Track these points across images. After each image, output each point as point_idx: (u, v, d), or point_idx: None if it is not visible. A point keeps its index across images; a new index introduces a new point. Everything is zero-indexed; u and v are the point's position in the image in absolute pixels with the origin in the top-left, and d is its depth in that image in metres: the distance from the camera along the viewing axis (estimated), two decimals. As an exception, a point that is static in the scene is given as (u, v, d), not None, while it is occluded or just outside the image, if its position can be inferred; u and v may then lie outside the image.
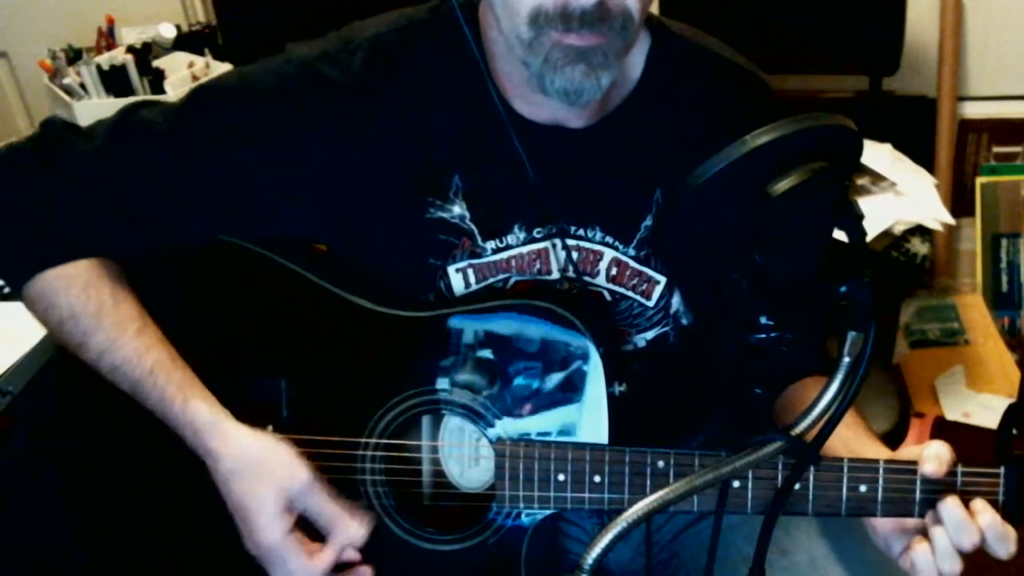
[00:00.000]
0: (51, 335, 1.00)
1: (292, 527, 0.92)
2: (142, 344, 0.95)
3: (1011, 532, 0.86)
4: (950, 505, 0.85)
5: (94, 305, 0.95)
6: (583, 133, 0.97)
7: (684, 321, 1.04)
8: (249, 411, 0.95)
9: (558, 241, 0.99)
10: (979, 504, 0.86)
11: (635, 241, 1.00)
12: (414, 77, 0.96)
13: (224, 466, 0.92)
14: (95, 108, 1.70)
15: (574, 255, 0.99)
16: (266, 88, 0.96)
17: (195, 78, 1.86)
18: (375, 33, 0.98)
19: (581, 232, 1.00)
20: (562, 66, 0.85)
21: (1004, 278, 2.52)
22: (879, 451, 0.95)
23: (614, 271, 1.01)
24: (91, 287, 0.96)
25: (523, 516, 0.96)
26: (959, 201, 2.47)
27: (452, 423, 1.01)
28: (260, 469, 0.91)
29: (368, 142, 0.96)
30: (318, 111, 0.95)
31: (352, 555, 0.95)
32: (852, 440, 0.96)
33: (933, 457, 0.87)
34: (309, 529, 0.93)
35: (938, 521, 0.86)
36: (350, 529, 0.92)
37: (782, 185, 0.70)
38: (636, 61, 0.98)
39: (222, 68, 1.91)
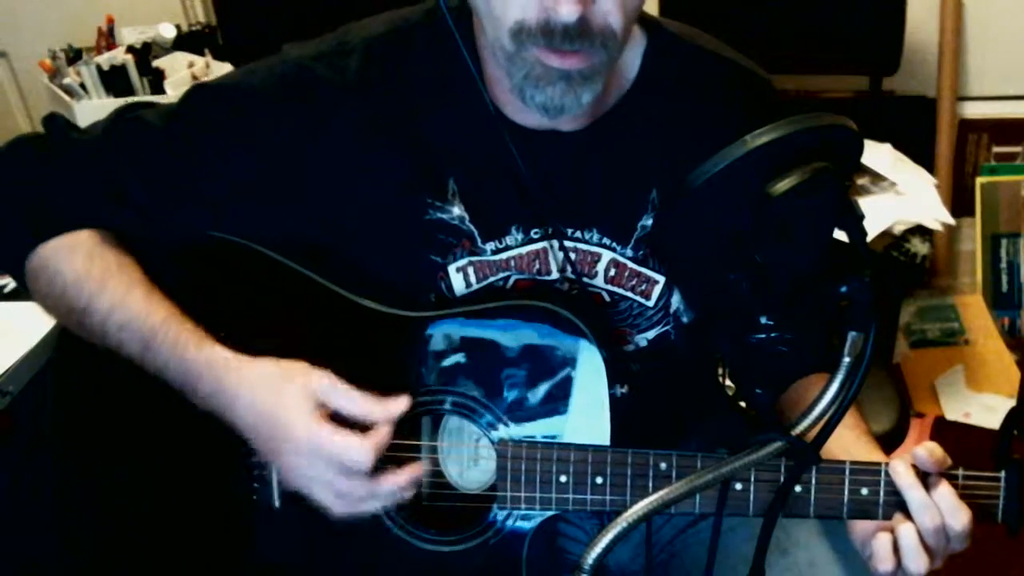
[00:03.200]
0: (54, 307, 0.98)
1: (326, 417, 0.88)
2: (151, 300, 0.94)
3: (965, 507, 0.86)
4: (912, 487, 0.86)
5: (99, 269, 0.95)
6: (577, 136, 0.97)
7: (685, 319, 1.04)
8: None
9: (555, 242, 0.99)
10: (932, 477, 0.87)
11: (632, 241, 1.00)
12: (408, 80, 0.96)
13: (246, 391, 0.89)
14: (95, 108, 1.70)
15: (572, 256, 0.99)
16: (261, 88, 0.96)
17: (195, 78, 1.86)
18: (370, 35, 0.98)
19: (578, 234, 1.00)
20: (543, 85, 0.85)
21: (1004, 278, 2.52)
22: (880, 458, 0.95)
23: (612, 272, 1.01)
24: (95, 253, 0.96)
25: (524, 517, 0.96)
26: (959, 201, 2.47)
27: (451, 423, 1.01)
28: (282, 380, 0.89)
29: (362, 144, 0.96)
30: (312, 112, 0.95)
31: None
32: (853, 445, 0.96)
33: (922, 447, 0.87)
34: None
35: (906, 519, 0.87)
36: (388, 406, 0.88)
37: (782, 185, 0.70)
38: (632, 62, 0.98)
39: (222, 68, 1.92)
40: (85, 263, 0.95)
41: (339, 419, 0.87)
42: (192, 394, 0.92)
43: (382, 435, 0.87)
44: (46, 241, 0.96)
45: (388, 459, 0.89)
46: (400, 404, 0.88)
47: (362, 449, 0.85)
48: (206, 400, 0.92)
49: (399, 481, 0.88)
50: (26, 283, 1.00)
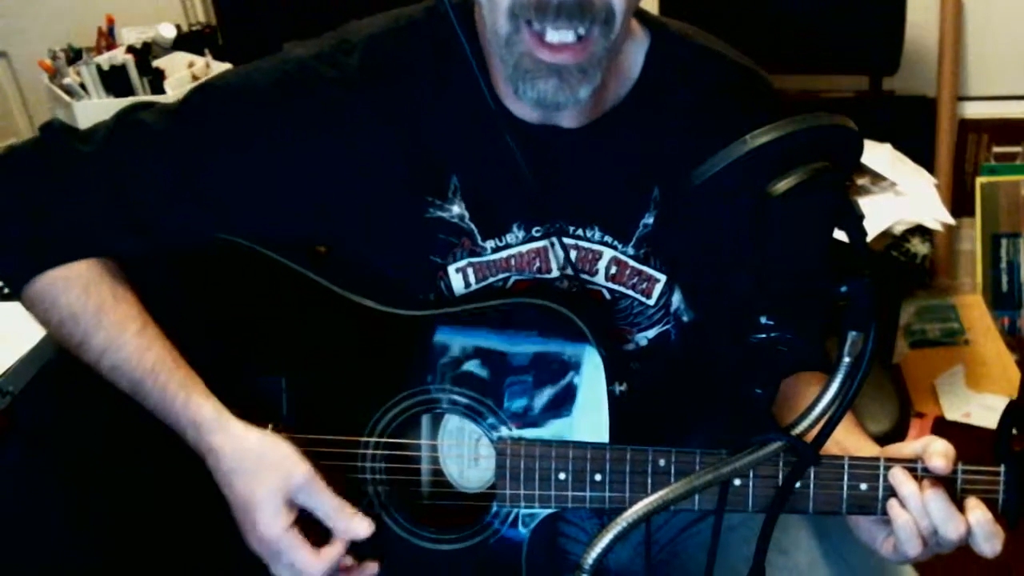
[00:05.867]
0: (51, 336, 0.99)
1: (293, 523, 0.91)
2: (143, 343, 0.95)
3: (1000, 531, 0.86)
4: (939, 496, 0.86)
5: (94, 305, 0.95)
6: (579, 133, 0.97)
7: (685, 318, 1.04)
8: (250, 410, 0.95)
9: (556, 240, 0.99)
10: (972, 501, 0.87)
11: (634, 240, 1.00)
12: (410, 77, 0.96)
13: (225, 463, 0.92)
14: (95, 108, 1.70)
15: (572, 254, 0.99)
16: (263, 88, 0.96)
17: (195, 78, 1.86)
18: (371, 33, 0.98)
19: (580, 232, 1.00)
20: (534, 79, 0.85)
21: (1004, 278, 2.52)
22: (872, 449, 0.95)
23: (613, 270, 1.01)
24: (91, 287, 0.96)
25: (523, 516, 0.96)
26: (959, 201, 2.47)
27: (452, 423, 1.01)
28: (260, 465, 0.91)
29: (365, 142, 0.96)
30: (315, 111, 0.95)
31: (347, 561, 0.95)
32: (845, 438, 0.96)
33: (941, 454, 0.87)
34: (314, 532, 0.93)
35: (902, 506, 0.87)
36: (353, 522, 0.92)
37: (782, 185, 0.70)
38: (635, 60, 0.98)
39: (222, 68, 1.91)
40: (81, 297, 0.95)
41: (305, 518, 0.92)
42: (181, 438, 0.95)
43: (336, 552, 0.92)
44: (44, 271, 0.96)
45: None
46: (363, 527, 0.92)
47: (317, 565, 0.90)
48: (193, 451, 0.95)
49: None
50: (24, 305, 1.00)
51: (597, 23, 0.84)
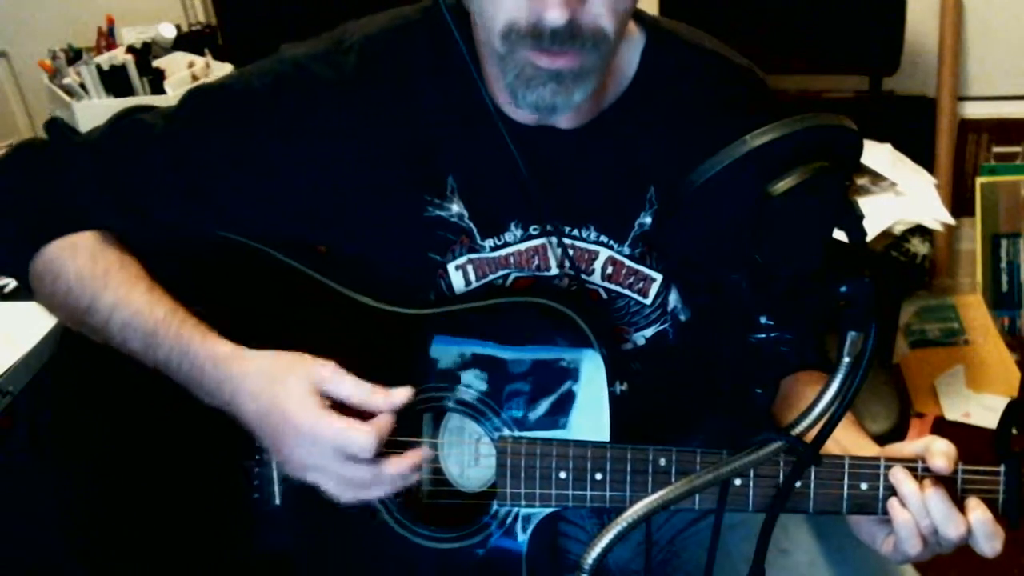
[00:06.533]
0: (58, 307, 0.99)
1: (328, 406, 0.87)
2: (153, 297, 0.94)
3: (1000, 530, 0.86)
4: (939, 496, 0.86)
5: (102, 267, 0.95)
6: (575, 134, 0.97)
7: (682, 317, 1.04)
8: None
9: (554, 239, 0.99)
10: (972, 501, 0.87)
11: (630, 239, 1.00)
12: (406, 77, 0.96)
13: (249, 383, 0.89)
14: (95, 108, 1.70)
15: (569, 253, 1.00)
16: (260, 88, 0.96)
17: (195, 78, 1.86)
18: (368, 33, 0.98)
19: (576, 232, 1.00)
20: (534, 85, 0.85)
21: (1004, 278, 2.52)
22: (872, 448, 0.95)
23: (610, 270, 1.01)
24: (98, 252, 0.96)
25: (523, 515, 0.96)
26: (959, 201, 2.47)
27: (452, 422, 1.01)
28: (285, 368, 0.89)
29: (361, 142, 0.96)
30: (312, 111, 0.95)
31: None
32: (845, 438, 0.97)
33: (943, 454, 0.87)
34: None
35: (902, 505, 0.87)
36: (390, 394, 0.87)
37: (782, 185, 0.70)
38: (630, 60, 0.98)
39: (222, 68, 1.91)
40: (88, 262, 0.95)
41: (341, 409, 0.87)
42: (196, 388, 0.92)
43: (384, 422, 0.86)
44: (48, 244, 0.97)
45: (389, 452, 0.89)
46: (403, 393, 0.88)
47: (365, 435, 0.85)
48: (210, 393, 0.92)
49: (403, 465, 0.88)
50: (30, 286, 1.00)
51: (587, 47, 0.84)
